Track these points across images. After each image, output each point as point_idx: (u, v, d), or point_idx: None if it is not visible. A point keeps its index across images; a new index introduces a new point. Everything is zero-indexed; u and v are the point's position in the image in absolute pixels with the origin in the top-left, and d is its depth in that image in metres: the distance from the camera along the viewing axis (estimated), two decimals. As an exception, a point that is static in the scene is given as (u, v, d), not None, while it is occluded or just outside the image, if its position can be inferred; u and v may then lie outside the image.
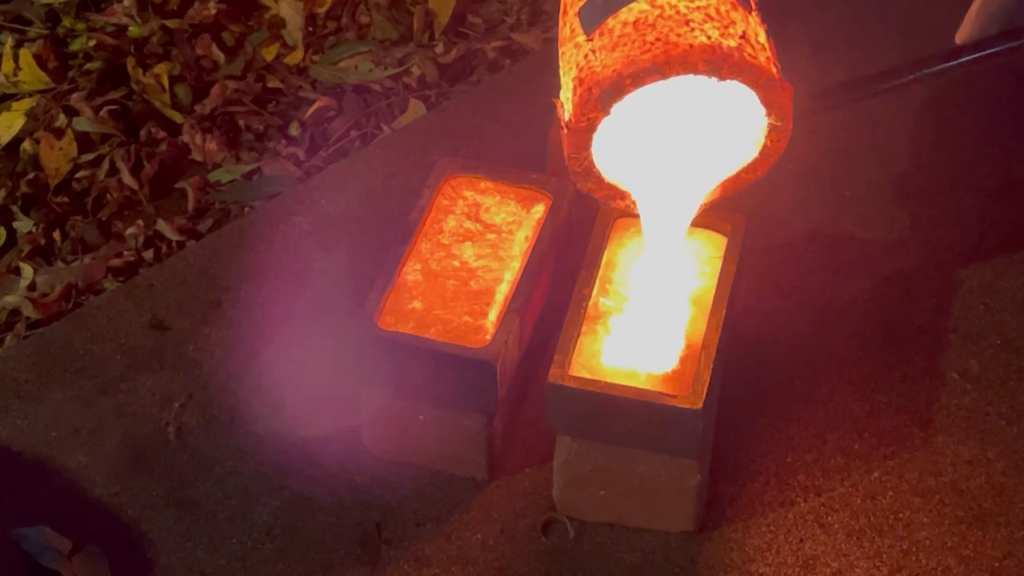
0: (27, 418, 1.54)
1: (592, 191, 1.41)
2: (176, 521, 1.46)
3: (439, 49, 2.03)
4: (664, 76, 1.29)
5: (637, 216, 1.48)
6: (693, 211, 1.44)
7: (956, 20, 1.86)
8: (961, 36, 1.77)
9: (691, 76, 1.30)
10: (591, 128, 1.33)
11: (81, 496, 1.48)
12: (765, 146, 1.38)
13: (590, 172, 1.38)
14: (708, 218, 1.48)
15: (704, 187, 1.43)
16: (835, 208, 1.72)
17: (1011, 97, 1.85)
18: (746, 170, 1.41)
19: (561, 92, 1.39)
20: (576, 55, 1.35)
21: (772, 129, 1.37)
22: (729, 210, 1.49)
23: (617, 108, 1.32)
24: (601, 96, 1.30)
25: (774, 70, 1.33)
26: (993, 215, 1.71)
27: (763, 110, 1.34)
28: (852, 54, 1.88)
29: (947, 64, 1.61)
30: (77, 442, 1.52)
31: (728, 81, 1.30)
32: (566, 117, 1.35)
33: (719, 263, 1.46)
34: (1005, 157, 1.78)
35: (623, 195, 1.42)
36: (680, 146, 1.40)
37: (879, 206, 1.73)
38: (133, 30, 2.06)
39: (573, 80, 1.34)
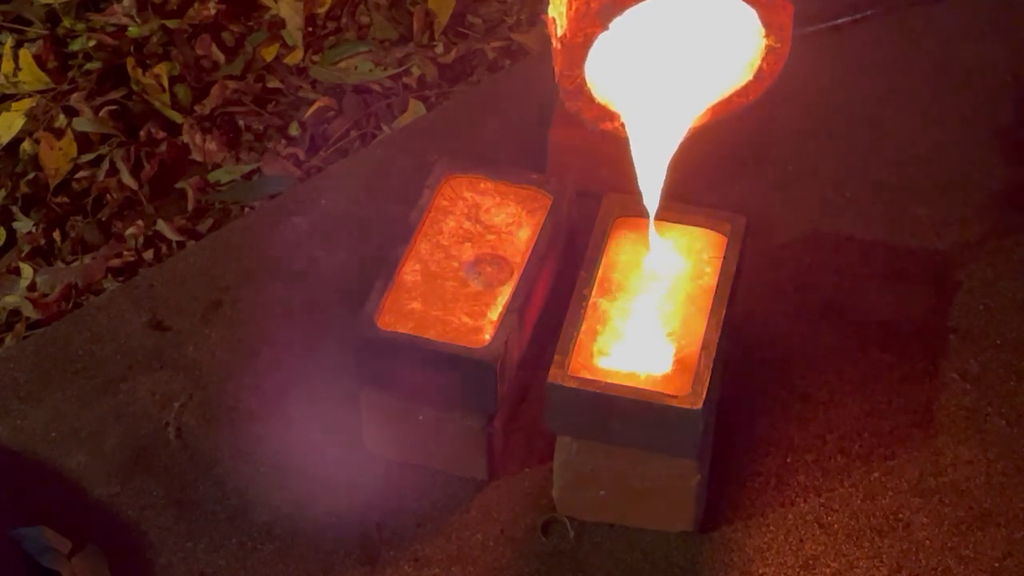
0: (27, 418, 1.54)
1: (581, 111, 1.36)
2: (176, 521, 1.46)
3: (439, 49, 2.04)
4: None
5: (636, 214, 1.48)
6: (682, 134, 1.40)
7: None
8: None
9: None
10: (587, 44, 1.28)
11: (81, 496, 1.48)
12: (760, 68, 1.35)
13: (581, 91, 1.34)
14: (708, 218, 1.48)
15: (695, 108, 1.39)
16: (835, 208, 1.72)
17: (1011, 97, 1.85)
18: (739, 93, 1.37)
19: (551, 6, 1.34)
20: None
21: (769, 51, 1.33)
22: (729, 210, 1.49)
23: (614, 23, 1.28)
24: (600, 10, 1.25)
25: None
26: (993, 215, 1.71)
27: (761, 31, 1.31)
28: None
29: None
30: (77, 442, 1.52)
31: None
32: (559, 32, 1.30)
33: (719, 263, 1.46)
34: (1005, 157, 1.78)
35: (612, 116, 1.38)
36: (672, 64, 1.35)
37: (879, 206, 1.73)
38: (133, 30, 2.06)
39: None
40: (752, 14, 1.29)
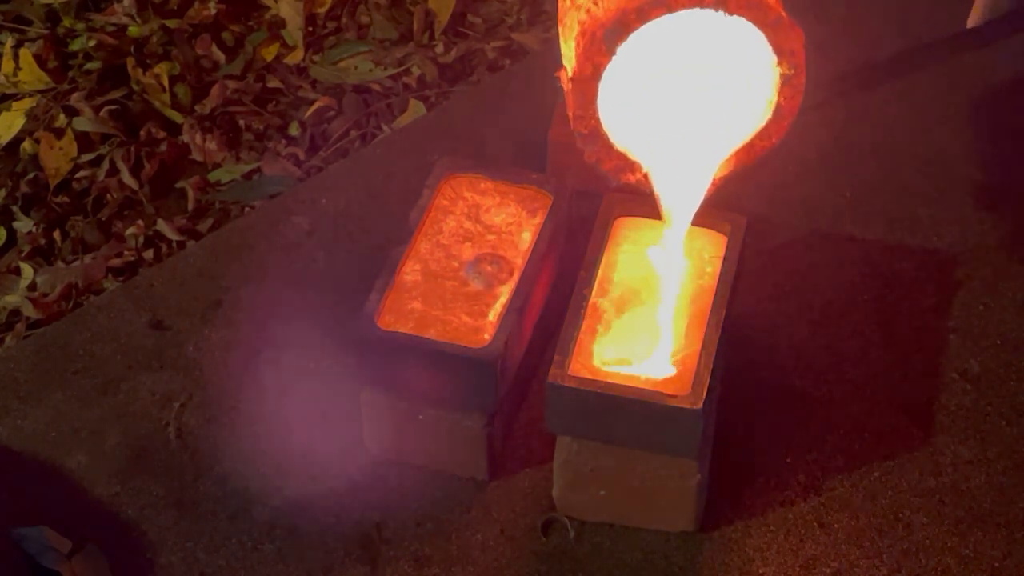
0: (27, 418, 1.54)
1: (600, 162, 1.34)
2: (176, 521, 1.46)
3: (439, 49, 2.04)
4: (670, 9, 1.24)
5: (637, 214, 1.48)
6: (707, 183, 1.40)
7: (957, 19, 1.86)
8: (973, 21, 1.76)
9: (698, 10, 1.24)
10: (596, 75, 1.26)
11: (81, 496, 1.48)
12: (779, 104, 1.33)
13: (597, 135, 1.31)
14: (708, 218, 1.48)
15: (718, 155, 1.38)
16: (835, 208, 1.72)
17: (1012, 97, 1.85)
18: (760, 136, 1.36)
19: (563, 60, 1.34)
20: (577, 15, 1.29)
21: (785, 83, 1.31)
22: (729, 210, 1.49)
23: (623, 69, 1.24)
24: (605, 36, 1.23)
25: (782, 11, 1.29)
26: (993, 215, 1.71)
27: (774, 60, 1.29)
28: (852, 52, 1.89)
29: (960, 47, 1.59)
30: (77, 442, 1.52)
31: (736, 18, 1.24)
32: (569, 73, 1.29)
33: (719, 263, 1.46)
34: (1006, 157, 1.78)
35: (633, 168, 1.36)
36: (691, 112, 1.34)
37: (879, 206, 1.73)
38: (133, 30, 2.06)
39: (576, 37, 1.28)
40: (764, 44, 1.27)
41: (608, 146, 1.33)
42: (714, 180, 1.39)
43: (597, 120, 1.30)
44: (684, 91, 1.34)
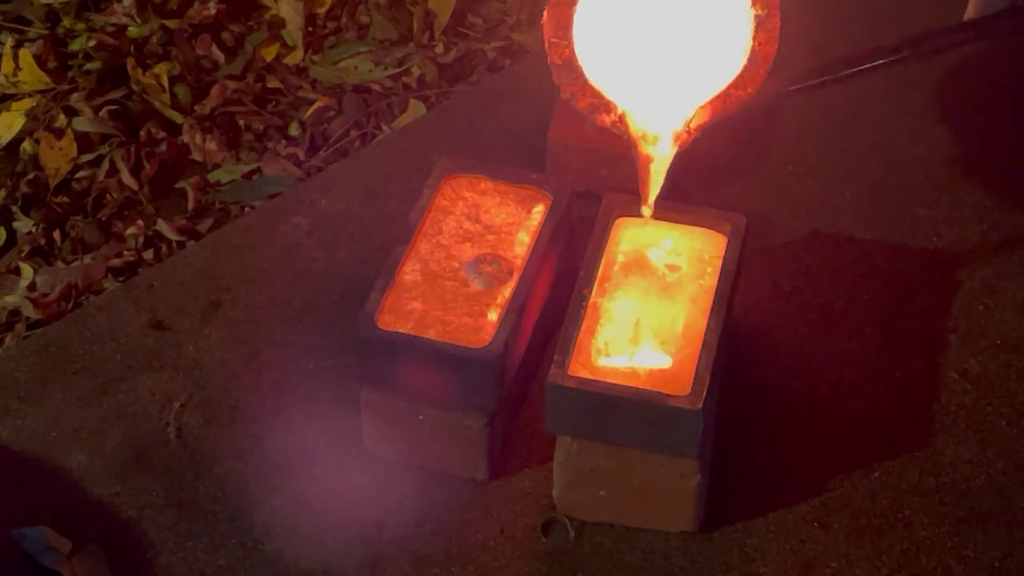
0: (27, 418, 1.54)
1: (575, 97, 1.33)
2: (176, 521, 1.46)
3: (439, 49, 2.04)
4: None
5: (637, 213, 1.48)
6: (683, 130, 1.38)
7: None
8: (968, 14, 1.76)
9: None
10: (572, 1, 1.27)
11: (81, 496, 1.48)
12: (753, 51, 1.32)
13: (572, 66, 1.30)
14: (708, 218, 1.49)
15: (693, 100, 1.37)
16: (835, 208, 1.72)
17: (1012, 97, 1.85)
18: (736, 85, 1.35)
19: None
20: None
21: (759, 25, 1.31)
22: (729, 210, 1.49)
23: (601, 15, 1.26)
24: None
25: None
26: (993, 215, 1.71)
27: (748, 1, 1.29)
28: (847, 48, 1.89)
29: (951, 40, 1.59)
30: (77, 442, 1.52)
31: None
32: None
33: (719, 263, 1.46)
34: (1006, 157, 1.78)
35: (608, 107, 1.36)
36: (667, 56, 1.33)
37: (879, 206, 1.73)
38: (133, 30, 2.06)
39: None
40: None
41: (583, 80, 1.31)
42: (689, 129, 1.38)
43: (572, 49, 1.29)
44: (659, 13, 1.32)
